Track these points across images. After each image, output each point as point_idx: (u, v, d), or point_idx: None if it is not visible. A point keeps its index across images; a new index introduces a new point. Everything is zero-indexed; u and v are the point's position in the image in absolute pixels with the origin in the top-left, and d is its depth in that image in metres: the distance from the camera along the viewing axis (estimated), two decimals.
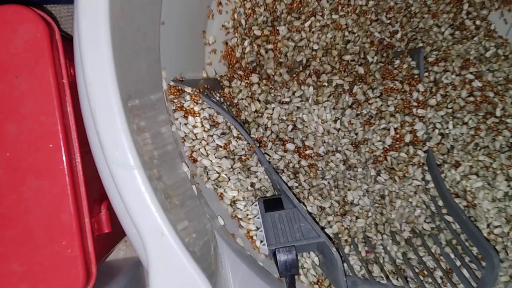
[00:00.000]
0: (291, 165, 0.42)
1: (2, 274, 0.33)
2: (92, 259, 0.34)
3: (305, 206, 0.40)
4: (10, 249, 0.33)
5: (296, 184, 0.41)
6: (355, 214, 0.42)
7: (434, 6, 0.49)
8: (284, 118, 0.44)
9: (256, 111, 0.44)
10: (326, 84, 0.45)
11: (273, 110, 0.43)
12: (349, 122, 0.45)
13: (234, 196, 0.37)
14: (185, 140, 0.36)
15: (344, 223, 0.42)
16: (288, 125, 0.44)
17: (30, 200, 0.33)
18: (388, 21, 0.49)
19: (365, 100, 0.46)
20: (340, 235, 0.42)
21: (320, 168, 0.43)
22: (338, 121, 0.44)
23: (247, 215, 0.37)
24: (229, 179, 0.37)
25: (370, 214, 0.43)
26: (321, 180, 0.43)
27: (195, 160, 0.37)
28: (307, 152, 0.43)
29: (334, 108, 0.44)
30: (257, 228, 0.37)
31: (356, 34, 0.48)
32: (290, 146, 0.43)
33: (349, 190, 0.43)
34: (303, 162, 0.43)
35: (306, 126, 0.44)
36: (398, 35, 0.49)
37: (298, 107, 0.44)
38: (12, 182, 0.33)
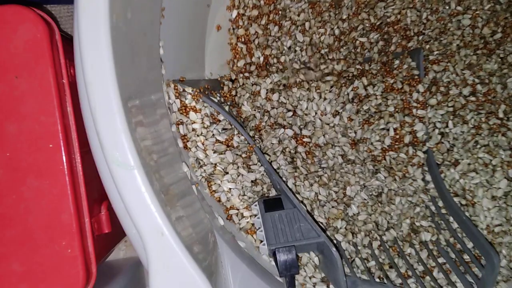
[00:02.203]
0: (287, 149, 0.42)
1: (2, 274, 0.33)
2: (92, 259, 0.34)
3: (303, 203, 0.40)
4: (10, 249, 0.33)
5: (292, 166, 0.42)
6: (355, 205, 0.42)
7: (468, 37, 0.48)
8: (284, 100, 0.44)
9: (254, 84, 0.44)
10: (327, 71, 0.45)
11: (270, 84, 0.44)
12: (348, 117, 0.45)
13: (230, 188, 0.37)
14: (181, 132, 0.37)
15: (344, 211, 0.42)
16: (288, 110, 0.44)
17: (30, 200, 0.33)
18: (425, 21, 0.49)
19: (366, 96, 0.46)
20: (337, 225, 0.42)
21: (317, 157, 0.43)
22: (338, 116, 0.44)
23: (240, 200, 0.38)
24: (226, 173, 0.37)
25: (368, 207, 0.43)
26: (318, 167, 0.43)
27: (187, 147, 0.37)
28: (304, 140, 0.43)
29: (335, 100, 0.44)
30: (257, 228, 0.37)
31: (394, 2, 0.48)
32: (288, 132, 0.43)
33: (348, 185, 0.43)
34: (300, 148, 0.43)
35: (306, 114, 0.44)
36: (421, 37, 0.48)
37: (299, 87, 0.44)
38: (12, 182, 0.33)
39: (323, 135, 0.44)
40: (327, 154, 0.43)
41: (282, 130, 0.43)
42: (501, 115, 0.46)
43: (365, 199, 0.43)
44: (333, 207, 0.42)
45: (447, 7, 0.49)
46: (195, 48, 0.44)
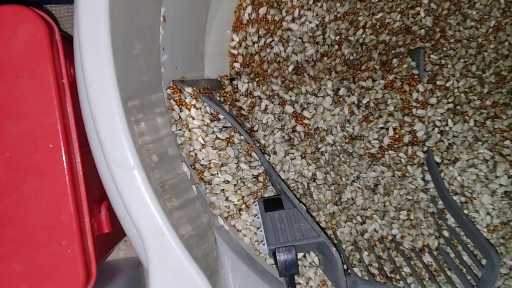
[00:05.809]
0: (285, 127, 0.43)
1: (2, 274, 0.33)
2: (92, 259, 0.34)
3: (301, 204, 0.40)
4: (10, 249, 0.33)
5: (288, 143, 0.42)
6: (349, 191, 0.43)
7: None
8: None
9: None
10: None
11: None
12: (349, 109, 0.44)
13: (228, 180, 0.37)
14: (179, 126, 0.37)
15: (338, 195, 0.42)
16: (289, 66, 0.44)
17: (30, 200, 0.33)
18: (455, 61, 0.48)
19: (367, 89, 0.46)
20: (334, 212, 0.42)
21: (315, 140, 0.43)
22: (340, 106, 0.44)
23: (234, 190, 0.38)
24: (222, 165, 0.37)
25: (364, 194, 0.43)
26: (315, 150, 0.43)
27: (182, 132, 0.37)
28: (304, 121, 0.43)
29: (339, 82, 0.45)
30: (257, 228, 0.37)
31: (462, 25, 0.48)
32: (288, 109, 0.43)
33: (345, 175, 0.43)
34: (299, 128, 0.43)
35: (311, 95, 0.44)
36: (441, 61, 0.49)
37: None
38: (12, 182, 0.33)
39: (323, 121, 0.44)
40: (326, 140, 0.43)
41: (281, 108, 0.43)
42: (506, 123, 0.46)
43: (359, 188, 0.43)
44: (328, 190, 0.42)
45: (486, 66, 0.48)
46: (195, 48, 0.45)
